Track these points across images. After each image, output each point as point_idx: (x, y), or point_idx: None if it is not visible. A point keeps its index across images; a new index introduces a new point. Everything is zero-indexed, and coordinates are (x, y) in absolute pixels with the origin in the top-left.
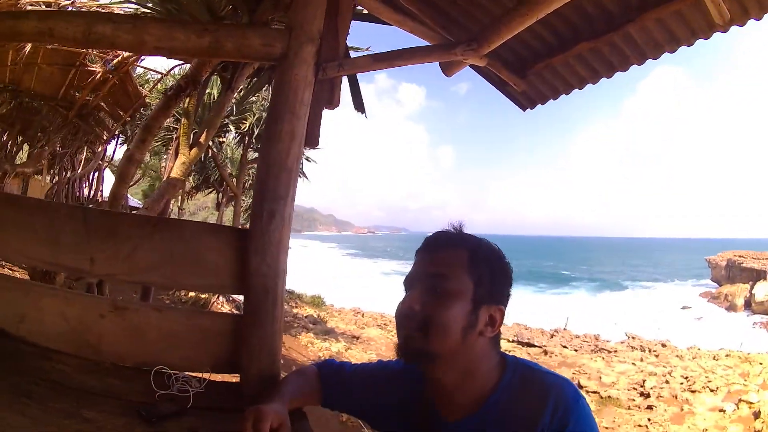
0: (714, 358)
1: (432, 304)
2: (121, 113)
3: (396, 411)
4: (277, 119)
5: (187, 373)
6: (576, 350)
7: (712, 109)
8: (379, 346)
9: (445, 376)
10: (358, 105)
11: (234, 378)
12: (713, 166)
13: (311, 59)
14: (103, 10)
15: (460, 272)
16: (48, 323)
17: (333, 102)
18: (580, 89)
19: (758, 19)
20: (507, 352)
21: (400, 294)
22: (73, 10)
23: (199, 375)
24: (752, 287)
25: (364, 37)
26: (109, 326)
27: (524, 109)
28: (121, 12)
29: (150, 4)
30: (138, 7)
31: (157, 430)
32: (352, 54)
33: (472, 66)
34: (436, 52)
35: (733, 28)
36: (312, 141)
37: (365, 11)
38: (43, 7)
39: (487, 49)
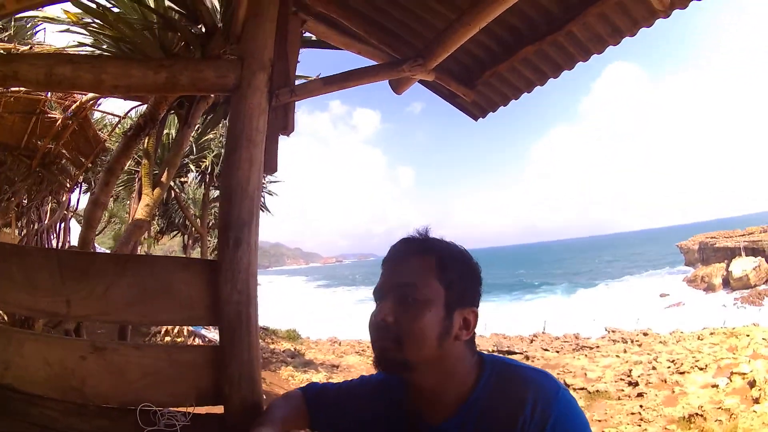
0: (699, 338)
1: (404, 315)
2: (83, 160)
3: (382, 422)
4: (235, 148)
5: (171, 408)
6: (557, 351)
7: (667, 101)
8: (359, 372)
9: (425, 381)
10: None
11: (219, 409)
12: (674, 156)
13: (264, 87)
14: (63, 53)
15: (429, 279)
16: (32, 369)
17: (288, 127)
18: (528, 92)
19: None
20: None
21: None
22: (36, 52)
23: (184, 409)
24: (728, 265)
25: (313, 65)
26: (90, 368)
27: (476, 119)
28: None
29: (105, 46)
30: (94, 49)
31: None
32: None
33: (421, 82)
34: (385, 71)
35: (677, 13)
36: (270, 167)
37: (313, 37)
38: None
39: (434, 63)
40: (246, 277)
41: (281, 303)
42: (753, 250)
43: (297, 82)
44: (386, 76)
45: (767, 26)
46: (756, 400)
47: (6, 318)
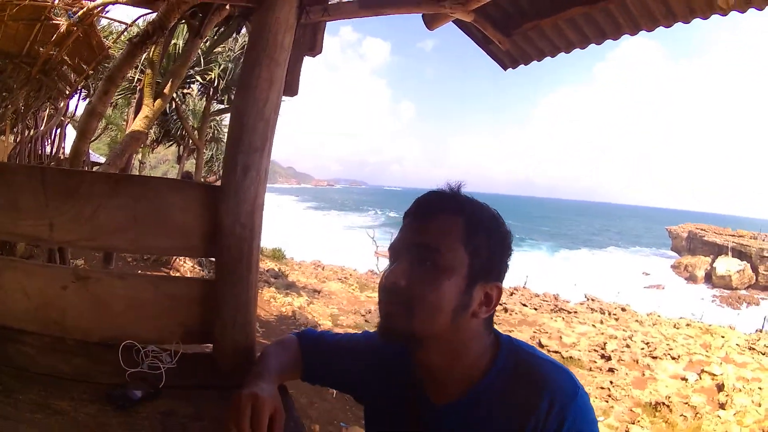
0: (675, 327)
1: (420, 281)
2: (84, 67)
3: (381, 388)
4: (255, 65)
5: (156, 347)
6: (536, 309)
7: (687, 86)
8: (340, 299)
9: (432, 358)
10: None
11: (206, 348)
12: (678, 139)
13: (294, 1)
14: None
15: (454, 244)
16: (10, 300)
17: (315, 48)
18: (567, 53)
19: (760, 9)
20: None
21: (359, 247)
22: None
23: (170, 348)
24: (713, 261)
25: None
26: (72, 299)
27: (505, 68)
28: None
29: None
30: None
31: (131, 416)
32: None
33: (455, 21)
34: (425, 3)
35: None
36: (292, 89)
37: None
38: None
39: (476, 4)
40: (252, 209)
41: (269, 221)
42: (740, 253)
43: (331, 1)
44: (426, 9)
45: None
46: (722, 405)
47: None
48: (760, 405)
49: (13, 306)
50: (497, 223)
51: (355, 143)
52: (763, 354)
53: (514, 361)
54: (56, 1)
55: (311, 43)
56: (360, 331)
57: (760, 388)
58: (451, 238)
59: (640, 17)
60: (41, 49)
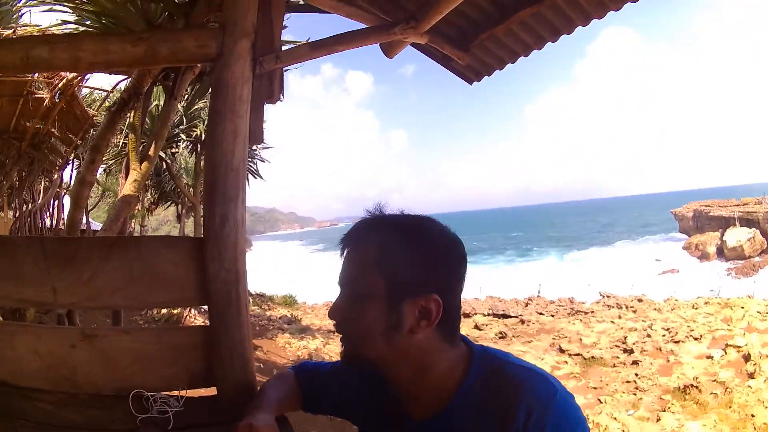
0: (693, 307)
1: (348, 312)
2: (72, 137)
3: (370, 408)
4: (219, 120)
5: (164, 393)
6: (552, 315)
7: (666, 69)
8: None
9: (395, 376)
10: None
11: (211, 391)
12: (670, 122)
13: (247, 54)
14: (40, 34)
15: (367, 271)
16: (23, 362)
17: (273, 95)
18: (525, 56)
19: None
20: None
21: None
22: (13, 37)
23: (177, 393)
24: (722, 234)
25: (301, 30)
26: (81, 356)
27: (471, 83)
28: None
29: (88, 22)
30: (76, 26)
31: None
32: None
33: (413, 45)
34: (376, 34)
35: None
36: (256, 138)
37: (301, 1)
38: None
39: (426, 26)
40: (234, 255)
41: (277, 268)
42: (747, 221)
43: (284, 48)
44: (377, 40)
45: None
46: (751, 375)
47: None
48: None
49: (27, 367)
50: (420, 237)
51: (352, 179)
52: None
53: (488, 371)
54: (36, 75)
55: (269, 91)
56: None
57: None
58: (364, 265)
59: (588, 5)
60: (28, 123)
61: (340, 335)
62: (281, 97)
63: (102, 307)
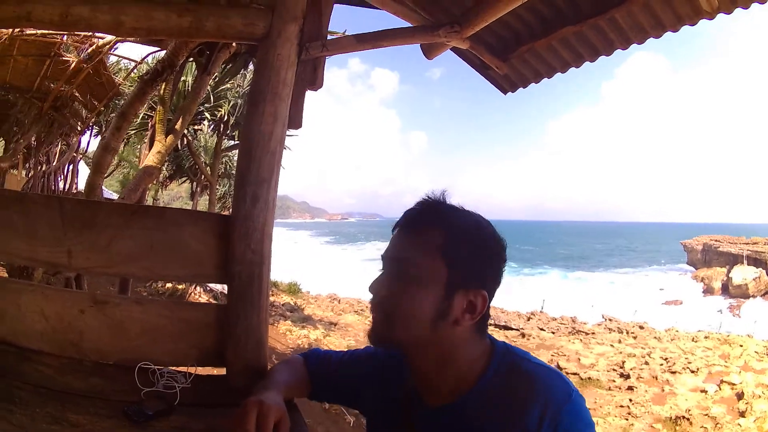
0: (693, 340)
1: (395, 291)
2: (96, 103)
3: (380, 396)
4: (260, 100)
5: (171, 368)
6: (553, 332)
7: (690, 97)
8: (357, 332)
9: (421, 362)
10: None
11: (220, 371)
12: (693, 151)
13: (294, 39)
14: None
15: (431, 255)
16: (28, 322)
17: (316, 83)
18: (562, 73)
19: (745, 7)
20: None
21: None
22: None
23: (185, 369)
24: (729, 271)
25: (342, 21)
26: (89, 322)
27: (505, 93)
28: None
29: None
30: None
31: (145, 430)
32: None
33: (453, 49)
34: (420, 34)
35: (719, 17)
36: (295, 122)
37: None
38: None
39: (470, 32)
40: (261, 237)
41: (285, 255)
42: (755, 260)
43: (328, 38)
44: (421, 40)
45: None
46: (742, 414)
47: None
48: None
49: (31, 327)
50: (481, 231)
51: (367, 175)
52: None
53: (507, 366)
54: (65, 38)
55: (312, 78)
56: None
57: None
58: (428, 249)
59: (629, 30)
60: (52, 85)
61: (374, 312)
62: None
63: (116, 274)
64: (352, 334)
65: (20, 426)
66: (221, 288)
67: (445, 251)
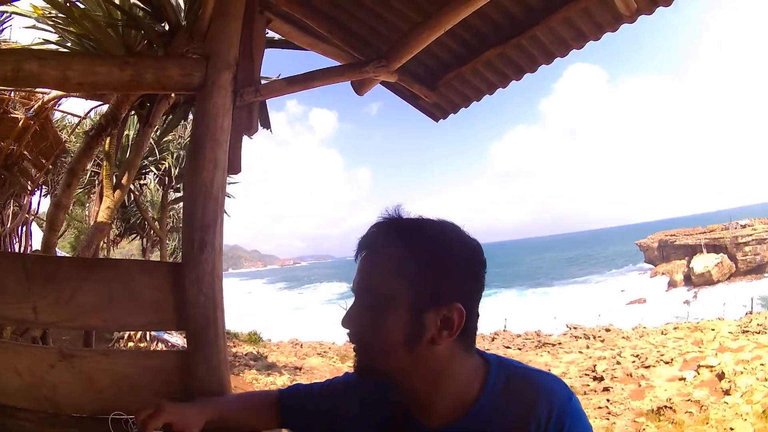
0: (662, 333)
1: (366, 321)
2: (44, 161)
3: (363, 424)
4: (200, 148)
5: None
6: (520, 349)
7: (628, 102)
8: (322, 374)
9: (412, 386)
10: (264, 122)
11: None
12: (635, 156)
13: (229, 86)
14: (31, 48)
15: (390, 277)
16: (3, 379)
17: (252, 128)
18: (490, 95)
19: (667, 5)
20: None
21: (335, 320)
22: (3, 48)
23: None
24: (689, 262)
25: (274, 65)
26: (61, 376)
27: (437, 120)
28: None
29: (69, 44)
30: (58, 46)
31: None
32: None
33: (383, 83)
34: (349, 72)
35: (641, 19)
36: (234, 167)
37: (277, 37)
38: None
39: (397, 65)
40: (212, 280)
41: (241, 306)
42: (714, 247)
43: (263, 82)
44: (350, 77)
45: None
46: (726, 392)
47: None
48: (766, 380)
49: (7, 385)
50: (445, 243)
51: (315, 218)
52: (758, 333)
53: (506, 376)
54: (12, 94)
55: (248, 123)
56: None
57: (762, 365)
58: (386, 272)
59: (551, 45)
60: (2, 143)
61: (354, 345)
62: (269, 128)
63: (81, 327)
64: (318, 376)
65: None
66: (182, 343)
67: (403, 271)
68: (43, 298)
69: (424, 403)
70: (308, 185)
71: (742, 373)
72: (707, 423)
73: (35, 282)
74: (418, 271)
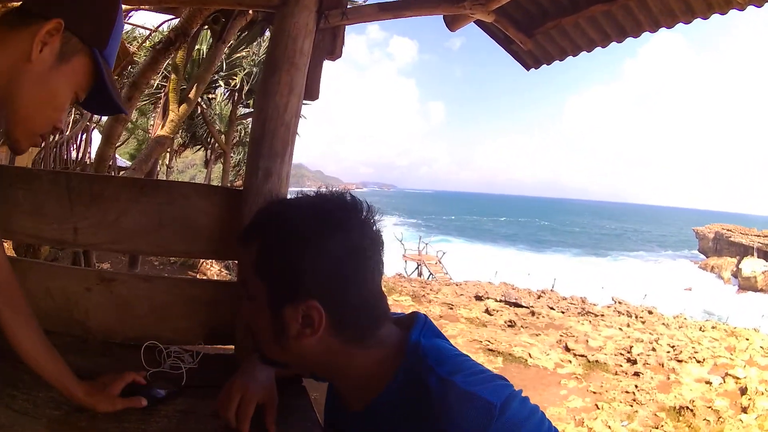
0: (700, 329)
1: (245, 313)
2: None
3: (333, 400)
4: (275, 70)
5: (178, 347)
6: (563, 312)
7: (714, 83)
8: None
9: (313, 374)
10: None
11: (229, 349)
12: (706, 138)
13: (313, 6)
14: None
15: (250, 274)
16: (33, 301)
17: (335, 53)
18: (588, 52)
19: None
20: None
21: (388, 251)
22: None
23: (192, 348)
24: (739, 262)
25: None
26: (96, 300)
27: (528, 69)
28: None
29: None
30: None
31: (151, 414)
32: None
33: (476, 22)
34: (445, 5)
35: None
36: (312, 94)
37: None
38: None
39: (496, 5)
40: None
41: None
42: (765, 254)
43: (349, 6)
44: (445, 10)
45: None
46: (744, 409)
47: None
48: None
49: (37, 307)
50: (302, 234)
51: (383, 146)
52: None
53: (413, 377)
54: None
55: (331, 47)
56: None
57: None
58: (249, 267)
59: (659, 14)
60: None
61: None
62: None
63: (124, 250)
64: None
65: (23, 412)
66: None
67: (257, 266)
68: (85, 219)
69: (339, 388)
70: (381, 112)
71: (762, 394)
72: None
73: (79, 202)
74: (269, 267)
